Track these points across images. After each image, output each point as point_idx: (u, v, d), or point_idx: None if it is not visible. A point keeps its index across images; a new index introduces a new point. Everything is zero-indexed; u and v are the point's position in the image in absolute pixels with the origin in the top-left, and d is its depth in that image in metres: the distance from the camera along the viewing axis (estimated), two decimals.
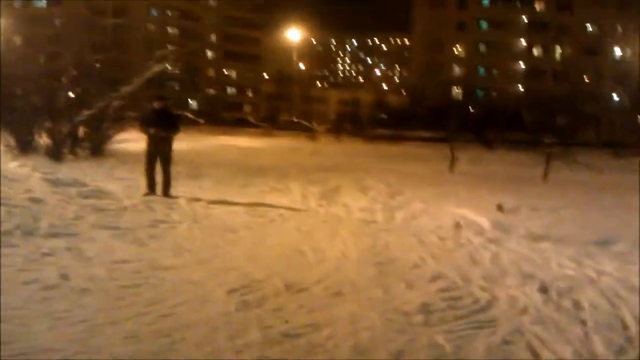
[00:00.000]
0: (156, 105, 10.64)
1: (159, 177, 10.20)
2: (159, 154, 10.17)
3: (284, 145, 29.63)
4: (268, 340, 4.09)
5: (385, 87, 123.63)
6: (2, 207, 7.08)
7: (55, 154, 15.16)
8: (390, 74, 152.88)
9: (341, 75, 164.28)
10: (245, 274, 5.72)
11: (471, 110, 40.75)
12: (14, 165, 9.43)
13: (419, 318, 4.67)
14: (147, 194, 9.81)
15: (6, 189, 7.81)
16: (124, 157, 14.94)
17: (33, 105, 16.45)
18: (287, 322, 4.48)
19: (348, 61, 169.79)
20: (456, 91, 67.51)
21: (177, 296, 4.97)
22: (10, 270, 5.50)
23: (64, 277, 5.29)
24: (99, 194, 8.85)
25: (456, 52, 76.48)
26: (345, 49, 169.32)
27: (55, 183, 8.74)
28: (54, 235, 6.66)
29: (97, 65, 18.08)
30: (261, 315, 4.61)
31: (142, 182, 10.29)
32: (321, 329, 4.35)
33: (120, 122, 16.95)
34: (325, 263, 6.33)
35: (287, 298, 5.07)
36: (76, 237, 6.72)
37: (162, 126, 10.18)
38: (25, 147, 15.62)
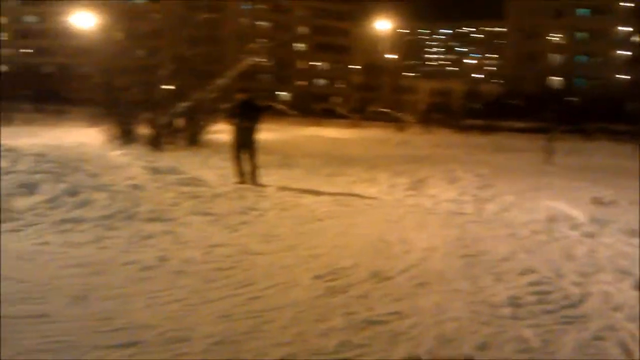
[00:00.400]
0: (240, 97, 10.97)
1: (248, 166, 10.54)
2: (243, 144, 10.47)
3: (373, 136, 29.55)
4: (352, 326, 4.16)
5: (478, 76, 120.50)
6: (106, 193, 7.55)
7: (154, 143, 15.92)
8: (484, 62, 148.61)
9: (432, 64, 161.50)
10: (332, 261, 5.83)
11: (569, 100, 39.04)
12: (116, 154, 9.98)
13: (506, 311, 4.59)
14: (237, 182, 10.16)
15: (110, 176, 8.31)
16: (218, 147, 15.45)
17: (134, 98, 17.32)
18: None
19: (439, 50, 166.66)
20: (553, 80, 64.67)
21: (266, 280, 5.14)
22: (113, 251, 5.89)
23: (162, 259, 5.60)
24: (195, 181, 9.23)
25: (552, 40, 73.13)
26: (437, 37, 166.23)
27: (155, 171, 9.19)
28: (153, 219, 7.04)
29: (193, 59, 18.62)
30: (346, 301, 4.69)
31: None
32: (405, 318, 4.38)
33: (214, 113, 17.53)
34: (412, 253, 6.32)
35: (372, 286, 5.12)
36: (173, 222, 7.08)
37: (246, 117, 10.50)
38: (127, 137, 16.50)
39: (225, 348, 3.74)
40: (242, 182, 10.23)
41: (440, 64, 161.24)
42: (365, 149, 20.10)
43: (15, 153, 7.90)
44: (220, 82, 17.09)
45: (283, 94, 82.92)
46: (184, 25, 20.28)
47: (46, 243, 6.01)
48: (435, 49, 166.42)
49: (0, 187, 7.10)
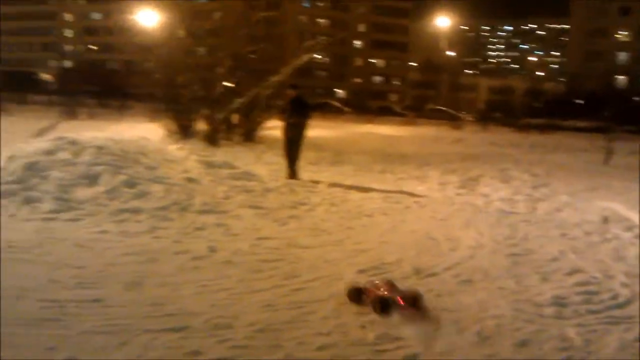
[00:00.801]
0: (290, 93, 11.20)
1: (302, 162, 10.75)
2: (292, 139, 10.71)
3: (428, 133, 29.32)
4: (392, 319, 4.23)
5: (540, 74, 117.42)
6: (162, 185, 7.84)
7: (211, 139, 16.31)
8: (546, 60, 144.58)
9: (493, 61, 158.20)
10: (377, 256, 5.90)
11: (633, 99, 37.56)
12: (173, 148, 10.30)
13: (550, 310, 4.57)
14: (287, 177, 10.37)
15: (166, 169, 8.59)
16: (273, 143, 15.68)
17: (194, 94, 17.75)
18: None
19: (501, 47, 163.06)
20: (618, 79, 62.33)
21: (311, 273, 5.27)
22: (166, 241, 6.14)
23: (212, 249, 5.81)
24: (247, 176, 9.43)
25: (618, 38, 70.41)
26: (498, 34, 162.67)
27: (209, 165, 9.43)
28: (206, 212, 7.28)
29: (251, 56, 18.93)
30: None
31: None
32: (446, 314, 4.41)
33: (269, 109, 17.79)
34: (458, 251, 6.32)
35: (415, 282, 5.17)
36: (225, 215, 7.29)
37: (295, 113, 10.72)
38: (185, 132, 16.95)
39: (266, 335, 3.88)
40: (292, 177, 10.43)
41: (501, 61, 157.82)
42: (419, 146, 19.99)
43: (78, 146, 8.27)
44: (276, 78, 17.32)
45: (339, 91, 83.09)
46: (243, 24, 20.55)
47: (104, 232, 6.31)
48: (496, 46, 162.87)
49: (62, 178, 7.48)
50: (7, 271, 4.92)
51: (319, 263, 5.60)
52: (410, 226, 7.46)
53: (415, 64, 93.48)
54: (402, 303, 4.40)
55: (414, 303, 4.44)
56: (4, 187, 7.30)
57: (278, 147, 12.87)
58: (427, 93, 78.35)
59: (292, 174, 10.57)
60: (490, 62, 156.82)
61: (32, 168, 7.61)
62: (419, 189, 10.49)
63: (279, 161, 11.69)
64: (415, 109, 58.72)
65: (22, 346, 3.55)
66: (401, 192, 9.98)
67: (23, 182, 7.37)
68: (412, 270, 5.43)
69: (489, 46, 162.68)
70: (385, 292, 4.49)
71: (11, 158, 7.96)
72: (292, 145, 10.77)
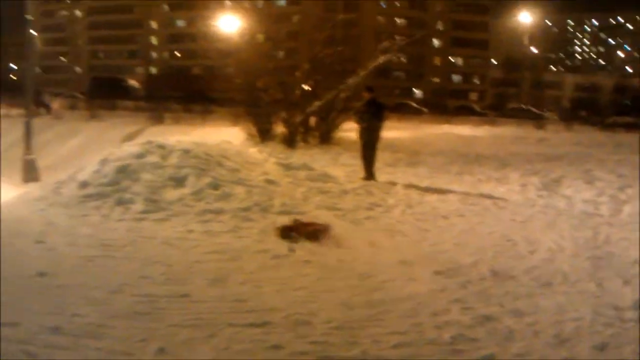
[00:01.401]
0: (365, 95, 11.34)
1: (378, 163, 10.85)
2: (367, 141, 10.85)
3: (508, 133, 28.59)
4: (468, 321, 4.27)
5: (629, 70, 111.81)
6: (244, 187, 8.14)
7: (289, 141, 16.65)
8: (636, 55, 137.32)
9: (579, 58, 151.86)
10: (453, 258, 5.92)
11: None
12: (253, 151, 10.63)
13: (631, 314, 4.47)
14: (363, 179, 10.49)
15: (247, 171, 8.91)
16: (349, 145, 15.83)
17: (272, 97, 18.16)
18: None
19: (587, 43, 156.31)
20: None
21: (387, 273, 5.37)
22: (248, 240, 6.41)
23: (291, 249, 6.01)
24: (325, 178, 9.62)
25: None
26: (585, 29, 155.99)
27: (288, 167, 9.70)
28: (285, 212, 7.50)
29: (328, 59, 19.14)
30: (464, 297, 4.79)
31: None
32: (524, 316, 4.41)
33: (346, 112, 17.94)
34: (537, 254, 6.24)
35: (492, 284, 5.17)
36: (303, 215, 7.48)
37: (371, 115, 10.87)
38: (264, 135, 17.39)
39: (343, 333, 4.02)
40: (368, 179, 10.54)
41: (586, 58, 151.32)
42: (499, 147, 19.57)
43: (166, 149, 8.72)
44: (353, 80, 17.44)
45: (417, 91, 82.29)
46: (321, 26, 20.80)
47: (190, 231, 6.66)
48: (582, 42, 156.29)
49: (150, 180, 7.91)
50: (102, 267, 5.32)
51: (394, 264, 5.69)
52: (488, 228, 7.41)
53: (495, 62, 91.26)
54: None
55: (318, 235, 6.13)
56: (97, 189, 7.82)
57: (354, 149, 13.02)
58: (508, 91, 76.30)
59: (369, 175, 10.69)
60: (576, 58, 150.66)
61: (124, 171, 8.10)
62: (498, 190, 10.34)
63: (355, 163, 11.83)
64: (496, 108, 57.37)
65: (117, 338, 3.84)
66: (479, 193, 9.88)
67: (115, 184, 7.86)
68: (489, 273, 5.42)
69: (574, 42, 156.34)
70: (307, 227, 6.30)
71: (104, 161, 8.50)
72: (368, 147, 10.89)
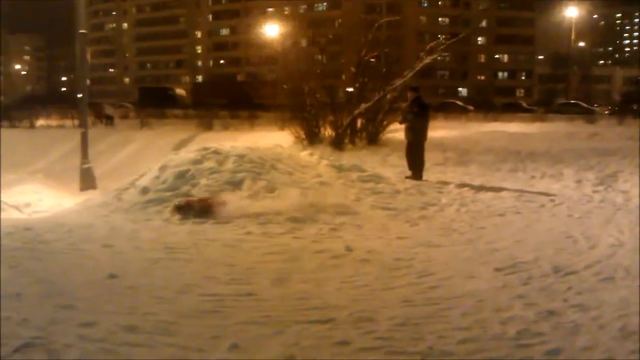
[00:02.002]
0: (409, 95, 11.43)
1: (426, 163, 10.85)
2: (412, 140, 10.87)
3: (559, 129, 27.96)
4: (532, 316, 4.27)
5: None
6: (298, 189, 8.28)
7: (337, 143, 16.75)
8: None
9: (628, 51, 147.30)
10: (512, 255, 5.89)
11: None
12: (304, 154, 10.78)
13: None
14: (408, 178, 10.52)
15: (300, 174, 9.06)
16: (397, 146, 15.81)
17: (319, 101, 18.31)
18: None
19: (636, 35, 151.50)
20: None
21: (445, 271, 5.39)
22: (305, 241, 6.52)
23: (348, 248, 6.10)
24: (376, 178, 9.67)
25: None
26: (634, 22, 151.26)
27: (339, 169, 9.80)
28: (339, 213, 7.61)
29: (373, 61, 19.18)
30: (526, 293, 4.78)
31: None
32: (588, 311, 4.38)
33: (392, 113, 17.94)
34: (597, 249, 6.15)
35: (554, 280, 5.13)
36: (357, 216, 7.59)
37: (416, 115, 10.94)
38: (312, 138, 17.54)
39: (408, 329, 4.07)
40: (415, 178, 10.56)
41: (636, 50, 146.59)
42: (550, 143, 19.19)
43: (221, 155, 8.95)
44: (399, 82, 17.43)
45: (462, 89, 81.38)
46: (364, 29, 20.87)
47: (249, 233, 6.82)
48: (632, 34, 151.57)
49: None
50: (168, 269, 5.51)
51: (452, 262, 5.71)
52: (545, 225, 7.33)
53: (542, 57, 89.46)
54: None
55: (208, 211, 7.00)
56: (158, 195, 8.08)
57: (402, 149, 13.01)
58: (556, 87, 74.68)
59: (415, 175, 10.70)
60: (625, 51, 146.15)
61: (182, 176, 8.35)
62: (554, 187, 10.20)
63: (403, 164, 11.83)
64: (544, 104, 56.19)
65: (189, 335, 3.99)
66: (534, 190, 9.77)
67: (175, 190, 8.11)
68: (550, 269, 5.38)
69: (623, 35, 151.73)
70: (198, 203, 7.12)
71: (163, 168, 8.77)
72: (414, 147, 10.92)
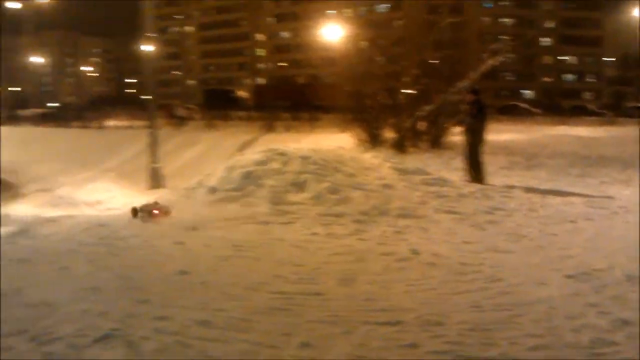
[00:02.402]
0: (468, 97, 11.37)
1: (491, 167, 10.69)
2: (471, 143, 10.79)
3: (629, 133, 26.90)
4: (606, 325, 4.15)
5: None
6: (361, 191, 8.31)
7: (399, 146, 16.69)
8: None
9: None
10: (584, 262, 5.73)
11: None
12: (367, 156, 10.78)
13: None
14: (467, 180, 10.39)
15: (363, 176, 9.08)
16: (461, 149, 15.62)
17: (380, 103, 18.29)
18: None
19: None
20: None
21: (514, 277, 5.30)
22: (370, 243, 6.55)
23: (414, 251, 6.08)
24: (440, 182, 9.58)
25: None
26: None
27: (402, 172, 9.75)
28: (404, 216, 7.59)
29: (435, 62, 19.02)
30: (600, 301, 4.64)
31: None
32: None
33: (456, 115, 17.73)
34: None
35: (629, 288, 4.96)
36: (422, 219, 7.54)
37: (473, 117, 10.87)
38: (374, 140, 17.53)
39: (478, 334, 4.03)
40: (474, 181, 10.42)
41: None
42: (620, 147, 18.53)
43: (286, 156, 9.08)
44: (462, 84, 17.21)
45: (527, 92, 79.43)
46: (426, 30, 20.71)
47: (314, 234, 6.90)
48: None
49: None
50: (237, 266, 5.65)
51: (522, 268, 5.60)
52: (618, 232, 7.09)
53: (611, 59, 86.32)
54: (156, 212, 7.91)
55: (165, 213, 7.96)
56: (225, 194, 8.27)
57: None
58: (625, 90, 71.93)
59: (474, 177, 10.57)
60: None
61: (249, 177, 8.52)
62: (624, 193, 9.85)
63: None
64: (613, 107, 54.20)
65: (261, 331, 4.08)
66: (605, 196, 9.46)
67: (241, 190, 8.29)
68: (624, 277, 5.21)
69: None
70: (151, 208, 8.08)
71: (230, 168, 8.97)
72: (473, 149, 10.84)
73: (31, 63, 74.58)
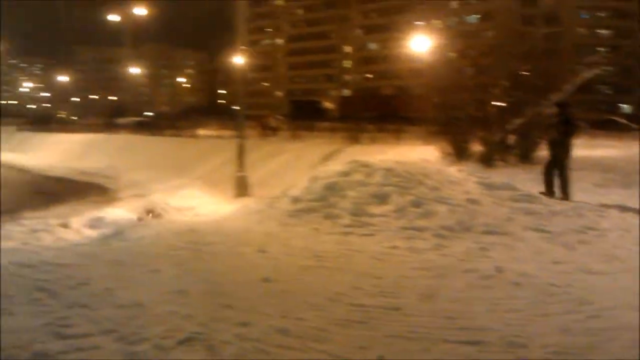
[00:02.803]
0: (555, 110, 11.10)
1: (584, 184, 10.22)
2: (555, 157, 10.48)
3: None
4: None
5: None
6: (445, 206, 8.16)
7: (487, 160, 16.25)
8: None
9: None
10: None
11: None
12: (453, 170, 10.58)
13: None
14: (542, 193, 9.99)
15: (448, 190, 8.91)
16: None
17: (468, 115, 17.90)
18: None
19: None
20: None
21: (606, 300, 5.04)
22: (452, 259, 6.41)
23: (499, 269, 5.90)
24: (529, 198, 9.24)
25: None
26: None
27: (489, 186, 9.48)
28: (489, 232, 7.39)
29: (527, 74, 18.44)
30: None
31: (572, 190, 10.37)
32: None
33: (548, 129, 17.09)
34: None
35: None
36: (508, 236, 7.31)
37: (559, 131, 10.54)
38: (460, 153, 17.17)
39: (565, 358, 3.86)
40: (547, 195, 10.02)
41: None
42: None
43: (369, 168, 9.08)
44: (556, 96, 16.58)
45: (625, 106, 75.48)
46: (518, 41, 20.14)
47: (395, 247, 6.84)
48: None
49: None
50: (318, 276, 5.69)
51: (615, 291, 5.32)
52: None
53: None
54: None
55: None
56: (308, 205, 8.37)
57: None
58: None
59: (549, 192, 10.22)
60: None
61: (331, 188, 8.58)
62: None
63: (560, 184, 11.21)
64: None
65: (338, 343, 4.10)
66: None
67: (324, 200, 8.36)
68: None
69: None
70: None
71: (313, 179, 9.08)
72: (557, 164, 10.50)
73: (130, 73, 78.53)
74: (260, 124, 33.03)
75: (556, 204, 9.17)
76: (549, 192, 10.38)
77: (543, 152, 16.98)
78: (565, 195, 10.22)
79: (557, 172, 10.55)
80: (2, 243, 8.26)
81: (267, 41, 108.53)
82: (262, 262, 6.12)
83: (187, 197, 13.48)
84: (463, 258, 6.44)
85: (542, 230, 7.60)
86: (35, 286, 5.18)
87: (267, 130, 31.26)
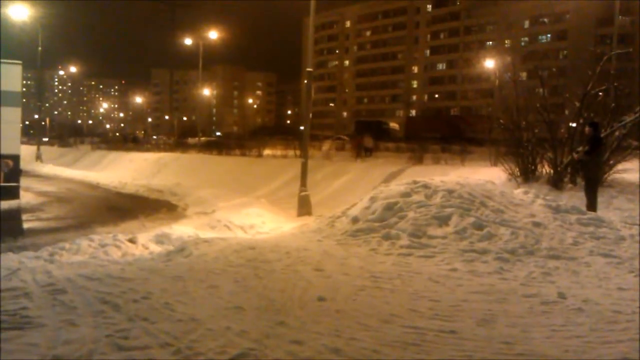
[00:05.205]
0: (587, 131, 11.60)
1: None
2: (588, 177, 11.12)
3: None
4: None
5: None
6: (508, 228, 7.98)
7: (555, 182, 15.76)
8: None
9: None
10: None
11: None
12: (518, 192, 10.34)
13: None
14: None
15: (512, 212, 8.71)
16: (624, 187, 14.49)
17: (537, 136, 17.45)
18: None
19: None
20: None
21: None
22: (514, 283, 6.25)
23: (561, 295, 5.72)
24: (597, 222, 8.92)
25: None
26: None
27: (556, 210, 9.21)
28: (553, 257, 7.17)
29: (600, 95, 17.81)
30: None
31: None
32: None
33: (622, 151, 16.44)
34: None
35: None
36: (573, 261, 7.07)
37: (586, 152, 11.10)
38: (527, 175, 16.73)
39: None
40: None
41: None
42: None
43: (430, 189, 8.99)
44: (630, 118, 15.95)
45: None
46: (593, 61, 19.54)
47: (454, 269, 6.73)
48: None
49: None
50: (373, 297, 5.67)
51: None
52: None
53: None
54: None
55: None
56: (367, 225, 8.36)
57: (629, 191, 11.94)
58: None
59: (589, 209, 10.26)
60: None
61: (391, 208, 8.54)
62: None
63: (631, 207, 10.82)
64: None
65: None
66: None
67: (383, 221, 8.33)
68: None
69: None
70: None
71: (373, 199, 9.06)
72: (586, 182, 11.05)
73: (202, 95, 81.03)
74: (354, 144, 32.92)
75: (625, 229, 8.81)
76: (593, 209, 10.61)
77: (616, 175, 16.41)
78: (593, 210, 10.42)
79: (585, 188, 11.08)
80: (72, 257, 8.65)
81: (334, 62, 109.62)
82: (318, 281, 6.15)
83: (250, 215, 13.69)
84: (525, 282, 6.28)
85: (610, 256, 7.32)
86: (99, 299, 5.39)
87: (362, 151, 31.03)
